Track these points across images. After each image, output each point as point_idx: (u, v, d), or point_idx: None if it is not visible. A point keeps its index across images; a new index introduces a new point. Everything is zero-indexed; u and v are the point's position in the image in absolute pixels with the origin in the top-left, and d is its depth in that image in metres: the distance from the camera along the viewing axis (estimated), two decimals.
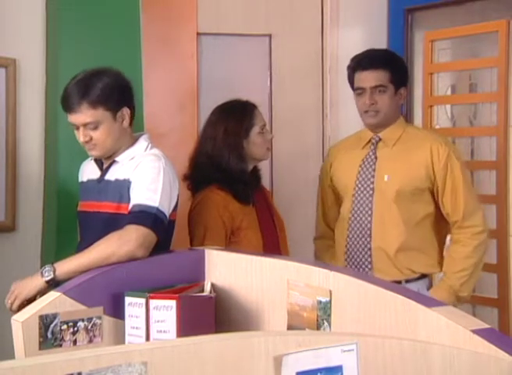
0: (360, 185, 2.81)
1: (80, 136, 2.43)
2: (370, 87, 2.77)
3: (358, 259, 2.78)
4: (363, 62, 2.80)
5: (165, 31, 3.51)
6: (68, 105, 2.42)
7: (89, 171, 2.60)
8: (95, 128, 2.42)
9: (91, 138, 2.43)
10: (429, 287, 2.83)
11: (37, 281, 2.24)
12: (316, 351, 1.38)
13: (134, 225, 2.28)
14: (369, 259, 2.76)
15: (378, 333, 1.65)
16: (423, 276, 2.80)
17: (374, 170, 2.80)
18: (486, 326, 1.50)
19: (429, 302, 1.65)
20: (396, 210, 2.74)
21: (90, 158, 2.62)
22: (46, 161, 3.17)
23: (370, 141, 2.85)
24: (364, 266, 2.76)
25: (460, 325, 1.50)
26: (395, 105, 2.83)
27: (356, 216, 2.80)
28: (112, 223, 2.38)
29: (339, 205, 2.92)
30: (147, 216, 2.31)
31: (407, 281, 2.74)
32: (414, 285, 2.73)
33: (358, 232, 2.79)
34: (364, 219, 2.78)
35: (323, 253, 2.96)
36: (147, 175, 2.40)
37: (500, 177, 3.35)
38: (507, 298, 3.31)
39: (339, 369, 1.39)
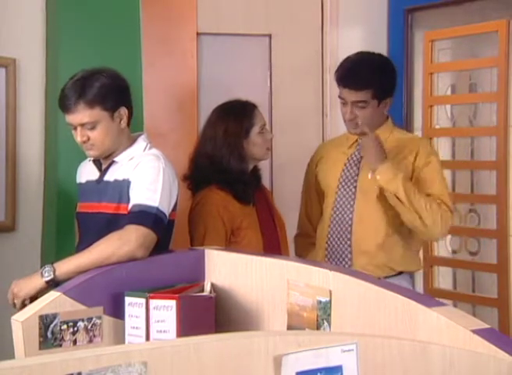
0: (343, 183, 2.81)
1: (78, 136, 2.43)
2: (351, 102, 2.75)
3: (338, 256, 2.78)
4: (346, 79, 2.76)
5: (165, 31, 3.51)
6: (65, 105, 2.42)
7: (87, 172, 2.60)
8: (93, 128, 2.41)
9: (89, 138, 2.43)
10: (410, 281, 2.85)
11: (37, 281, 2.24)
12: (316, 351, 1.38)
13: (134, 225, 2.28)
14: (349, 256, 2.76)
15: (378, 334, 1.65)
16: (400, 272, 2.80)
17: (358, 169, 2.80)
18: (486, 326, 1.50)
19: (429, 302, 1.65)
20: (378, 209, 2.73)
21: (88, 160, 2.62)
22: (46, 161, 3.17)
23: (356, 140, 2.85)
24: (343, 264, 2.76)
25: (460, 325, 1.50)
26: (378, 114, 2.80)
27: (338, 213, 2.80)
28: (112, 224, 2.38)
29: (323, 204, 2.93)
30: (147, 216, 2.31)
31: (386, 277, 2.73)
32: (395, 280, 2.71)
33: (339, 229, 2.79)
34: (345, 216, 2.78)
35: (305, 251, 2.96)
36: (147, 175, 2.40)
37: (500, 177, 3.35)
38: (507, 298, 3.31)
39: (338, 369, 1.39)
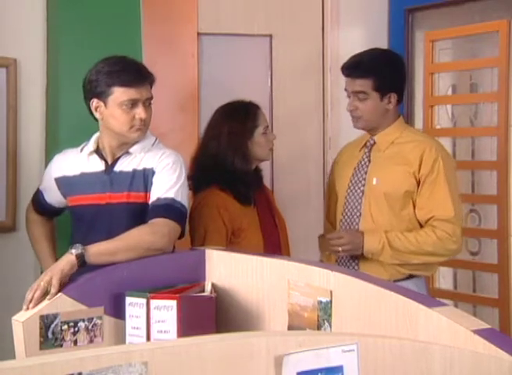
0: (352, 187, 2.80)
1: (143, 112, 2.46)
2: (352, 92, 2.75)
3: (346, 261, 2.77)
4: (346, 69, 2.78)
5: (166, 31, 3.50)
6: (140, 79, 2.48)
7: (78, 164, 2.55)
8: (150, 105, 2.51)
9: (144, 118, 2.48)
10: (419, 284, 2.79)
11: (67, 258, 2.20)
12: (317, 351, 1.38)
13: (165, 219, 2.35)
14: (356, 261, 2.75)
15: (378, 334, 1.65)
16: (411, 276, 2.76)
17: (365, 173, 2.78)
18: (487, 326, 1.50)
19: (430, 302, 1.65)
20: (385, 213, 2.72)
21: (65, 152, 2.63)
22: (47, 161, 3.16)
23: (365, 144, 2.85)
24: (351, 267, 2.75)
25: (460, 325, 1.50)
26: (381, 110, 2.76)
27: (346, 217, 2.80)
28: (142, 213, 2.42)
29: None
30: (174, 210, 2.38)
31: (395, 281, 2.71)
32: (403, 284, 2.68)
33: None
34: (352, 221, 2.77)
35: (325, 251, 2.96)
36: (172, 169, 2.46)
37: (501, 177, 3.35)
38: (508, 298, 3.31)
39: (339, 369, 1.39)
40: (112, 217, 2.47)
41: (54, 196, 2.65)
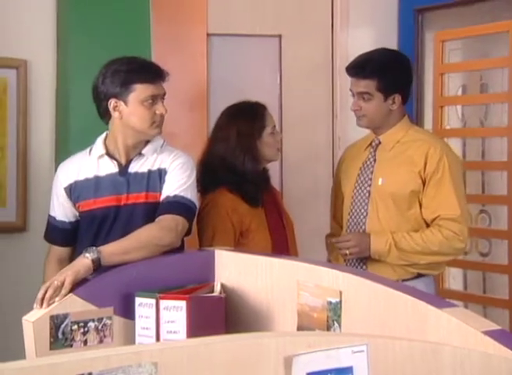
0: (358, 188, 2.80)
1: (162, 107, 2.51)
2: (356, 93, 2.76)
3: (354, 261, 2.77)
4: (351, 69, 2.79)
5: (175, 32, 3.51)
6: (159, 74, 2.55)
7: (89, 168, 2.52)
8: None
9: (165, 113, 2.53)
10: (428, 283, 2.78)
11: (82, 262, 2.18)
12: (326, 352, 1.38)
13: (172, 215, 2.38)
14: (364, 260, 2.75)
15: (388, 334, 1.64)
16: (420, 275, 2.75)
17: (371, 173, 2.78)
18: (497, 327, 1.50)
19: (440, 303, 1.65)
20: (391, 213, 2.71)
21: (72, 158, 2.59)
22: (56, 161, 3.17)
23: (371, 143, 2.84)
24: (359, 268, 2.75)
25: (470, 326, 1.50)
26: (385, 110, 2.76)
27: (353, 217, 2.80)
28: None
29: None
30: (182, 206, 2.42)
31: (403, 281, 2.70)
32: (412, 283, 2.66)
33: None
34: (359, 221, 2.77)
35: (331, 251, 2.96)
36: (183, 169, 2.49)
37: (511, 178, 3.34)
38: None
39: (349, 369, 1.39)
40: (130, 218, 2.47)
41: (66, 211, 2.57)
